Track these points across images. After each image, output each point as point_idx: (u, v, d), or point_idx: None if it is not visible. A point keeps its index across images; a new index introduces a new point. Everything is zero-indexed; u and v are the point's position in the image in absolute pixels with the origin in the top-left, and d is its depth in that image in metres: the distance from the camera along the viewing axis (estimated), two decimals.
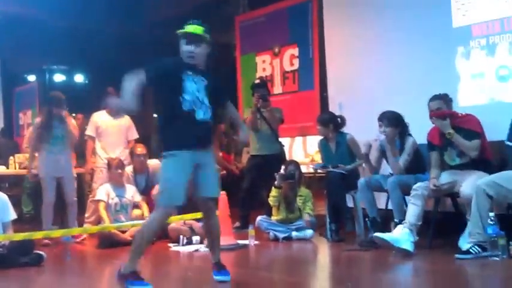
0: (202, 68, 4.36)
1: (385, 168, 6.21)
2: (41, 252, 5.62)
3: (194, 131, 4.21)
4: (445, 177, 5.39)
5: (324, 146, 6.76)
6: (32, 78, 14.88)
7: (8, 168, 8.44)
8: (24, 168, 8.09)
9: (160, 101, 4.32)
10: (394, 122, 5.89)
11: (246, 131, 4.76)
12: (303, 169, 7.23)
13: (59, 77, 14.36)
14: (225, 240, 6.07)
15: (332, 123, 6.65)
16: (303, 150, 8.83)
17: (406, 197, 5.56)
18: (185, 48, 4.26)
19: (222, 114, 4.72)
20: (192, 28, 4.28)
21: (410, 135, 5.94)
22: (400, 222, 5.32)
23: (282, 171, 6.73)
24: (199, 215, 6.45)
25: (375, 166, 6.17)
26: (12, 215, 5.82)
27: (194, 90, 4.23)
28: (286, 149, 7.93)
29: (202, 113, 4.24)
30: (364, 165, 6.38)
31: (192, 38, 4.25)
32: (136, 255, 4.19)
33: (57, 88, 11.21)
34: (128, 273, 4.15)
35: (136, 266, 4.18)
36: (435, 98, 5.46)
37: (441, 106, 5.41)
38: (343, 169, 6.38)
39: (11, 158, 8.45)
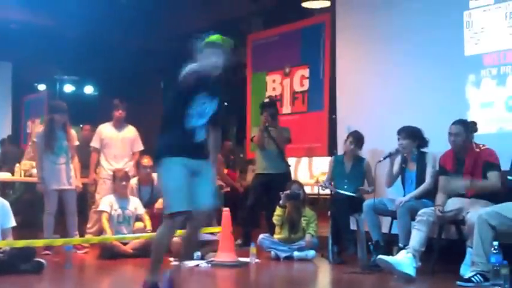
0: (216, 85, 4.24)
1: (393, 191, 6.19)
2: (41, 260, 5.62)
3: (190, 147, 4.18)
4: (452, 204, 5.35)
5: (337, 163, 6.74)
6: (42, 87, 14.97)
7: (13, 175, 8.45)
8: (30, 175, 8.10)
9: (169, 109, 4.28)
10: (411, 135, 5.90)
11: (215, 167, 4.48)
12: (308, 190, 7.20)
13: (69, 88, 14.45)
14: (227, 256, 6.08)
15: (361, 144, 6.65)
16: (309, 171, 8.82)
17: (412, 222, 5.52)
18: (213, 58, 4.08)
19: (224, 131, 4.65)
20: (220, 39, 4.16)
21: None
22: (404, 247, 5.28)
23: (286, 191, 6.71)
24: (204, 229, 6.49)
25: (389, 180, 6.13)
26: (12, 222, 5.81)
27: (201, 113, 4.18)
28: (291, 169, 7.91)
29: (199, 136, 4.21)
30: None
31: (220, 48, 4.13)
32: (155, 266, 4.17)
33: (66, 98, 11.27)
34: (150, 284, 4.12)
35: (157, 278, 4.14)
36: (457, 122, 5.42)
37: (460, 132, 5.36)
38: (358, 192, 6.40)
39: (17, 165, 8.46)
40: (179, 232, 5.96)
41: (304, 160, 9.12)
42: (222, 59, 4.12)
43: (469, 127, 5.44)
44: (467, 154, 5.37)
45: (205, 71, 4.07)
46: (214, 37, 4.18)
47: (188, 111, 4.14)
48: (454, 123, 5.43)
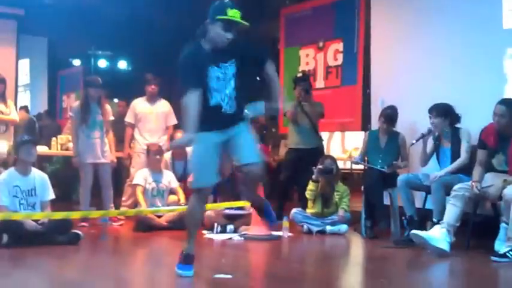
0: (228, 48, 4.15)
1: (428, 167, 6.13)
2: (78, 232, 5.73)
3: (219, 120, 4.18)
4: (489, 180, 5.27)
5: (373, 138, 6.69)
6: (77, 62, 15.10)
7: (50, 149, 8.58)
8: (66, 149, 8.21)
9: None
10: (442, 113, 5.81)
11: (277, 103, 4.23)
12: (341, 165, 7.18)
13: (103, 63, 14.55)
14: (259, 230, 6.12)
15: (394, 120, 6.57)
16: (342, 146, 8.78)
17: (446, 197, 5.48)
18: (222, 33, 4.08)
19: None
20: (232, 13, 4.08)
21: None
22: (438, 222, 5.25)
23: (319, 165, 6.69)
24: (236, 203, 6.55)
25: (423, 160, 6.08)
26: (51, 195, 5.93)
27: (220, 85, 4.14)
28: (324, 143, 7.89)
29: (229, 107, 4.16)
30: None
31: (233, 25, 4.08)
32: (189, 238, 4.27)
33: (101, 73, 11.35)
34: (183, 254, 4.23)
35: (191, 249, 4.24)
36: (502, 102, 5.25)
37: (504, 113, 5.18)
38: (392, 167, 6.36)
39: (54, 139, 8.58)
40: (209, 206, 6.09)
41: (337, 135, 9.08)
42: (231, 35, 4.09)
43: None
44: None
45: (212, 44, 4.13)
46: (232, 14, 4.08)
47: (207, 87, 4.13)
48: (499, 102, 5.26)
